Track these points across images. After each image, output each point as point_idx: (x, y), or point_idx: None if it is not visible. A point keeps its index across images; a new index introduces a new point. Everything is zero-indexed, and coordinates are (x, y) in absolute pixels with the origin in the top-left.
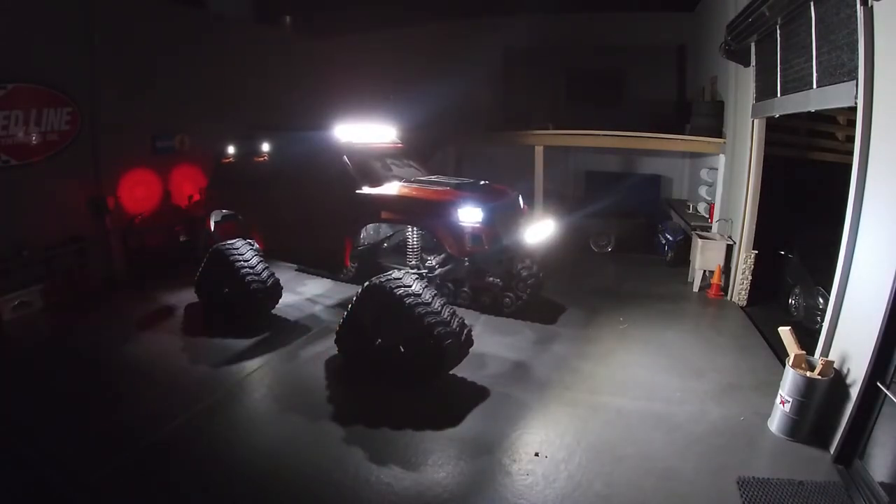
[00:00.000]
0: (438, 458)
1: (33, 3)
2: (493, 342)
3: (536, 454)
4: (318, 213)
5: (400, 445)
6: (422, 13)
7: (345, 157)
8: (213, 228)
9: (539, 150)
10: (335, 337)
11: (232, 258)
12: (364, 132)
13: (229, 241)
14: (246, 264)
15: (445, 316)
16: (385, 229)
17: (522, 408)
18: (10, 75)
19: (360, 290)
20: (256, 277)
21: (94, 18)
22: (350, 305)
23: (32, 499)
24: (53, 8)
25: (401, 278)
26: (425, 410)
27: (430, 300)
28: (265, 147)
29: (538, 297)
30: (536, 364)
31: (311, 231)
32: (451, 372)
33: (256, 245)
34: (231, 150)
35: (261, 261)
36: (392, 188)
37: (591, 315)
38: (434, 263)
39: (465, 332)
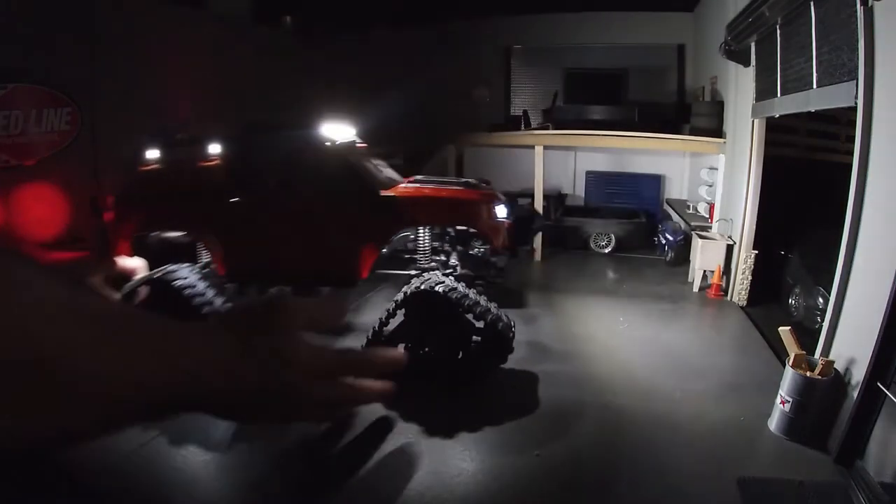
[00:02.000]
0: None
1: (33, 3)
2: None
3: (537, 454)
4: (323, 221)
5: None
6: (422, 13)
7: (349, 157)
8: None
9: (539, 150)
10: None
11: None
12: (336, 131)
13: (169, 270)
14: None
15: (496, 311)
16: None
17: (519, 408)
18: (10, 75)
19: (402, 301)
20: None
21: (95, 18)
22: (387, 319)
23: (32, 497)
24: (53, 8)
25: (444, 280)
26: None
27: (478, 298)
28: (216, 149)
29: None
30: (535, 365)
31: (313, 242)
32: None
33: (213, 266)
34: (152, 154)
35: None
36: (421, 189)
37: (592, 315)
38: (456, 262)
39: (512, 323)
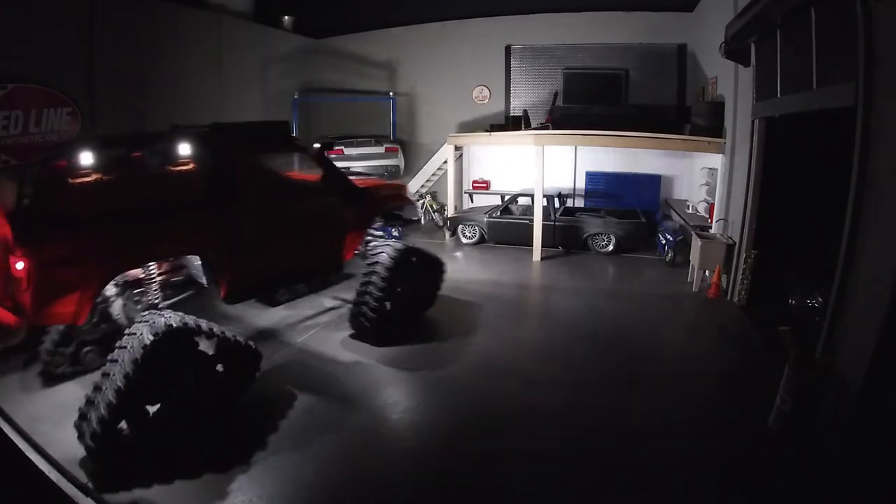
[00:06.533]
0: None
1: (33, 3)
2: (500, 344)
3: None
4: (312, 217)
5: None
6: (423, 13)
7: (326, 153)
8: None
9: (539, 150)
10: (355, 317)
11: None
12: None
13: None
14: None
15: (435, 255)
16: None
17: (517, 405)
18: (10, 75)
19: (390, 259)
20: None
21: (94, 18)
22: (372, 280)
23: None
24: (53, 8)
25: (398, 244)
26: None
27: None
28: (186, 151)
29: None
30: (537, 367)
31: (306, 239)
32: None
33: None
34: (87, 160)
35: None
36: (374, 181)
37: (591, 317)
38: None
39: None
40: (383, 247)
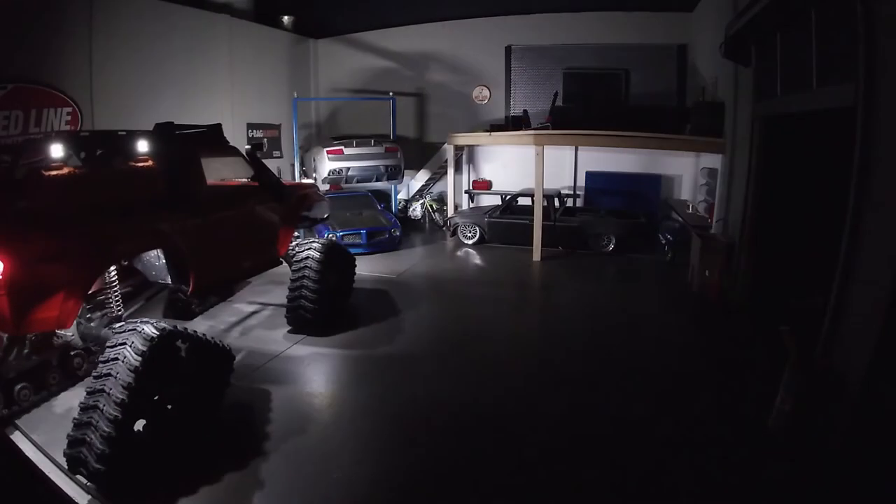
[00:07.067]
0: None
1: (33, 3)
2: (498, 343)
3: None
4: (254, 214)
5: None
6: (422, 13)
7: (257, 153)
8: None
9: (539, 150)
10: (294, 311)
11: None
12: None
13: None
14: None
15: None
16: None
17: (515, 404)
18: (10, 75)
19: (320, 254)
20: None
21: (94, 18)
22: (306, 274)
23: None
24: (53, 8)
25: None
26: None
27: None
28: (143, 148)
29: None
30: (534, 365)
31: (252, 235)
32: None
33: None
34: (57, 153)
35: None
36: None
37: (589, 316)
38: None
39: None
40: (309, 244)
